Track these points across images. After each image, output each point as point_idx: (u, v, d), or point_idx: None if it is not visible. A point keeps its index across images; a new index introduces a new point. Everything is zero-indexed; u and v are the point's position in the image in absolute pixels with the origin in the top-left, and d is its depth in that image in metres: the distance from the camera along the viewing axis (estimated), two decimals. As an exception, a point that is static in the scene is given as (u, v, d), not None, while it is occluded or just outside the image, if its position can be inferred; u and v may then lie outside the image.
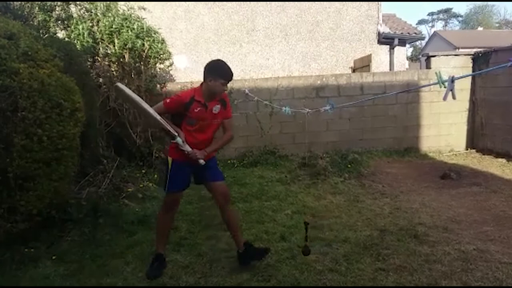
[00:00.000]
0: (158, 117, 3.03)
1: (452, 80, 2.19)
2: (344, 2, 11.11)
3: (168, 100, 3.13)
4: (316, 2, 11.04)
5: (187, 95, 3.12)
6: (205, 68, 3.11)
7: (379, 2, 11.25)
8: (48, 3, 5.85)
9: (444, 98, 2.24)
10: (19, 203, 3.37)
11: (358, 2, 11.14)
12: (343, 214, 4.58)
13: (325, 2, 11.06)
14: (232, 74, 3.13)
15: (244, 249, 3.33)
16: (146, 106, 3.06)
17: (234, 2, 10.80)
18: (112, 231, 4.12)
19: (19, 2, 5.41)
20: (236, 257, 3.39)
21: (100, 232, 4.06)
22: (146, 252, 3.59)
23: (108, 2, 6.46)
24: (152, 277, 3.18)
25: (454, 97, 2.23)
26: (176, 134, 3.06)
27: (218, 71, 3.07)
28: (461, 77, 2.44)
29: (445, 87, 2.23)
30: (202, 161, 3.09)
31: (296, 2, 10.97)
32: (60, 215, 3.97)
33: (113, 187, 5.14)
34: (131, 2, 6.79)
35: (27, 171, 3.35)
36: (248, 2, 10.85)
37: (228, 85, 8.04)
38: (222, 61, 3.15)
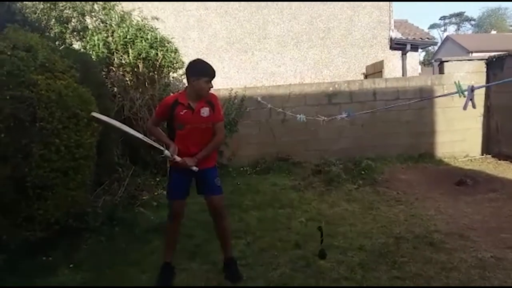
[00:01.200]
0: (140, 136, 3.16)
1: (472, 89, 2.18)
2: (355, 9, 11.12)
3: (157, 108, 3.16)
4: (327, 10, 11.06)
5: (170, 98, 3.19)
6: (186, 70, 3.17)
7: (391, 8, 11.23)
8: (64, 15, 5.98)
9: (465, 107, 2.23)
10: (37, 212, 3.43)
11: (370, 9, 11.13)
12: (358, 221, 4.55)
13: (336, 10, 11.08)
14: (214, 71, 3.11)
15: (224, 264, 3.35)
16: (126, 128, 3.11)
17: (246, 11, 10.89)
18: (128, 239, 4.16)
19: (36, 15, 5.54)
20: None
21: (116, 240, 4.11)
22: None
23: (122, 13, 6.57)
24: (163, 286, 3.18)
25: (474, 106, 2.22)
26: (163, 148, 3.10)
27: (199, 69, 3.09)
28: (480, 87, 2.43)
29: (464, 96, 2.22)
30: (195, 168, 3.08)
31: (308, 10, 11.01)
32: (77, 223, 4.02)
33: (128, 195, 5.21)
34: (145, 12, 6.89)
35: (45, 180, 3.42)
36: (260, 11, 10.93)
37: (240, 93, 8.06)
38: (202, 59, 3.16)
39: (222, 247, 3.39)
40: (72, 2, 6.16)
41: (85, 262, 3.65)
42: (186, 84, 3.21)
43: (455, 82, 2.35)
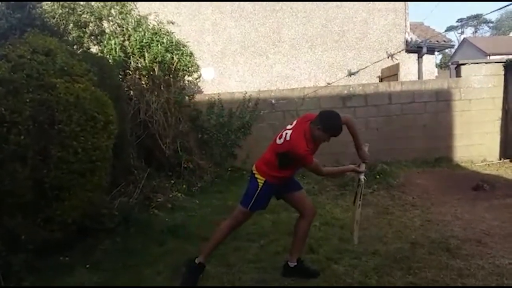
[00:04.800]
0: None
1: None
2: (370, 12, 11.06)
3: (309, 155, 3.14)
4: (342, 12, 11.02)
5: (306, 146, 3.11)
6: (321, 115, 3.12)
7: (406, 11, 11.14)
8: (82, 20, 6.09)
9: None
10: (55, 212, 3.50)
11: (385, 11, 11.06)
12: (372, 226, 4.52)
13: (351, 12, 11.04)
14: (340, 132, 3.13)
15: (295, 264, 3.32)
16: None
17: (260, 15, 10.91)
18: (143, 240, 4.20)
19: (55, 20, 5.64)
20: (282, 266, 3.38)
21: (131, 241, 4.16)
22: (177, 262, 3.63)
23: (139, 17, 6.66)
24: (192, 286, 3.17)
25: None
26: (356, 167, 3.48)
27: (331, 127, 3.09)
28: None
29: None
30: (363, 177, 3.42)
31: (322, 13, 10.99)
32: (94, 224, 4.09)
33: (143, 197, 5.27)
34: (161, 17, 6.97)
35: (63, 181, 3.48)
36: (274, 14, 10.95)
37: (255, 96, 8.08)
38: (338, 116, 3.15)
39: (296, 245, 3.35)
40: (89, 7, 6.27)
41: (102, 262, 3.70)
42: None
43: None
